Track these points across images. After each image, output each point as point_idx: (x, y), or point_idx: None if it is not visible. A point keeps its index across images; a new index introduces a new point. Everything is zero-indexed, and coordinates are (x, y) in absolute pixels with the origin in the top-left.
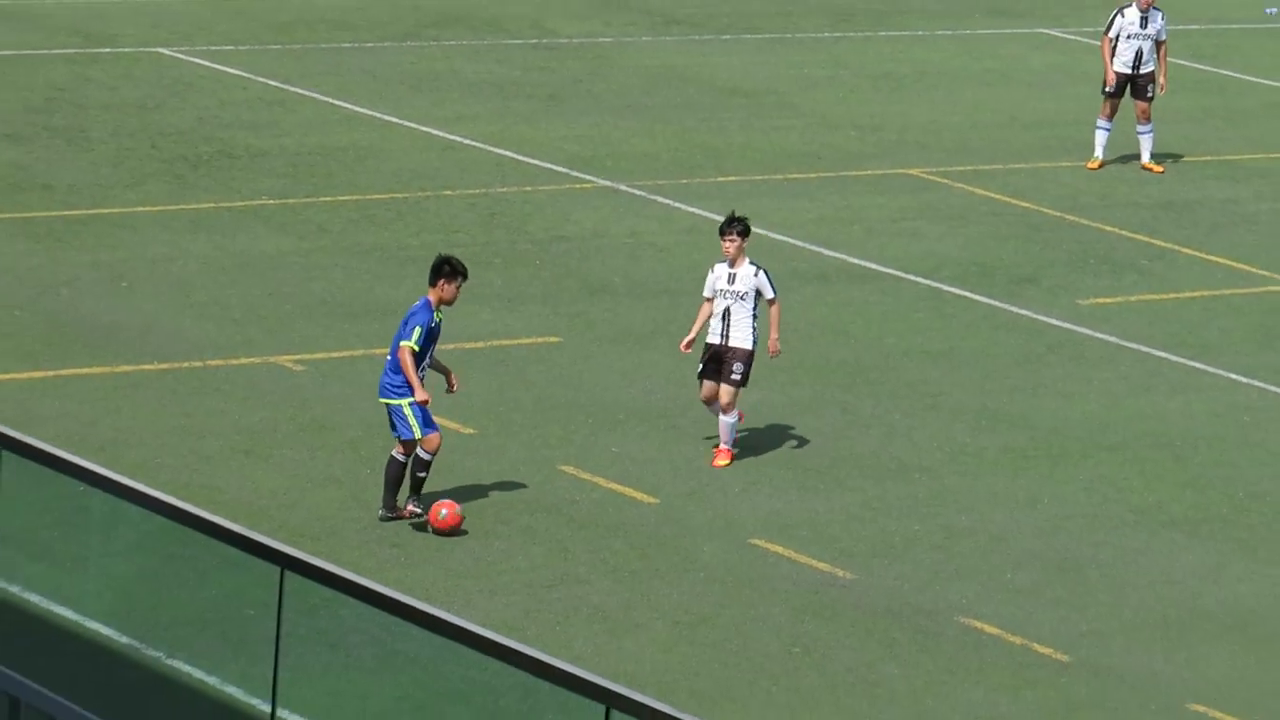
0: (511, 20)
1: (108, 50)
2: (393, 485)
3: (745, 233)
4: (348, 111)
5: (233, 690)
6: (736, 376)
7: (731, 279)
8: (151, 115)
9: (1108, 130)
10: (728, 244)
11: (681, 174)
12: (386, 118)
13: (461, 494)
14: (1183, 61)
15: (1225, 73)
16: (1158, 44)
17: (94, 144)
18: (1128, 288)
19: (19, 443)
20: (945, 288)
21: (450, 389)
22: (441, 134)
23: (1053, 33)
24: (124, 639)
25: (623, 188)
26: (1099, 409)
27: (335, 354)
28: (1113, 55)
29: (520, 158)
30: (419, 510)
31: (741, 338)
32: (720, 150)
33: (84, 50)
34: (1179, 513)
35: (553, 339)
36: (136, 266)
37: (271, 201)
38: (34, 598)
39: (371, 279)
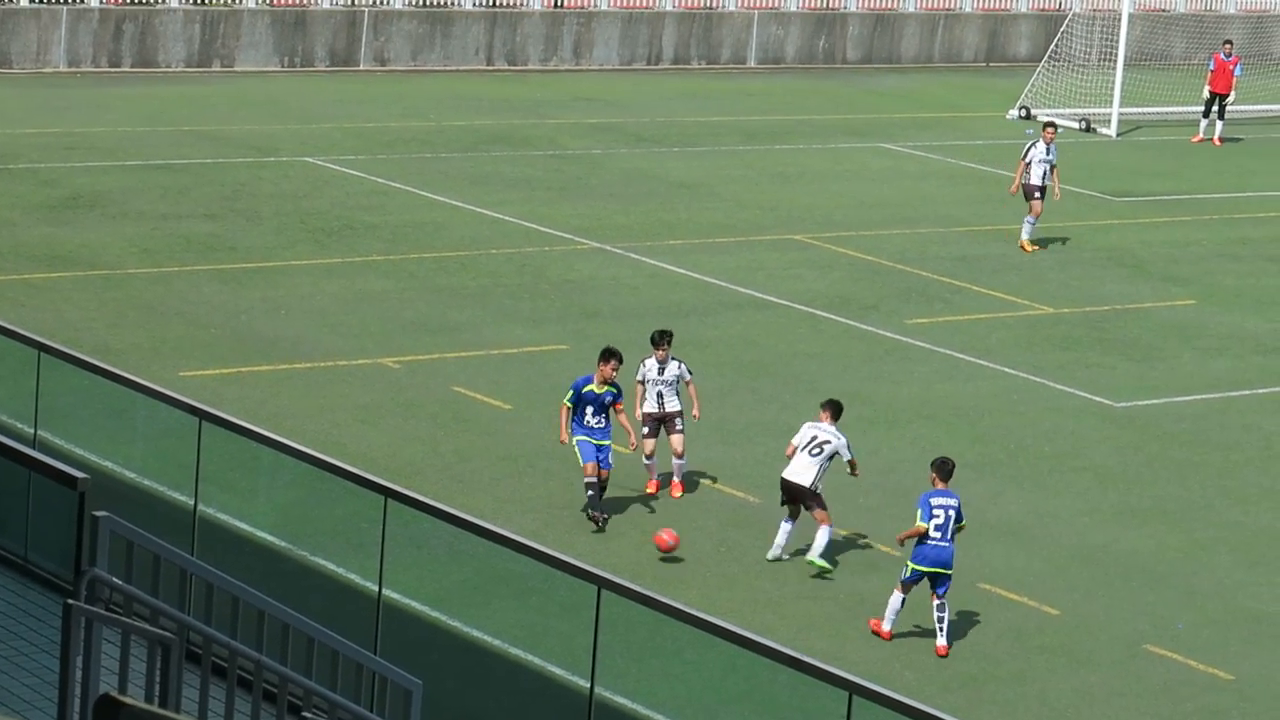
0: (537, 139)
1: (272, 158)
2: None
3: (670, 341)
4: (428, 199)
5: (354, 576)
6: (682, 428)
7: (662, 370)
8: (301, 201)
9: (1034, 223)
10: (660, 352)
11: (647, 239)
12: (454, 202)
13: (497, 446)
14: (970, 164)
15: (999, 171)
16: (1052, 166)
17: (263, 219)
18: (937, 312)
19: (214, 416)
20: (818, 313)
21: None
22: (489, 213)
23: (889, 146)
24: (282, 543)
25: (608, 248)
26: (918, 391)
27: (421, 357)
28: (1026, 171)
29: (541, 228)
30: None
31: (675, 405)
32: (671, 223)
33: (258, 159)
34: (971, 458)
35: (563, 347)
36: (290, 300)
37: (379, 258)
38: (224, 516)
39: (444, 308)
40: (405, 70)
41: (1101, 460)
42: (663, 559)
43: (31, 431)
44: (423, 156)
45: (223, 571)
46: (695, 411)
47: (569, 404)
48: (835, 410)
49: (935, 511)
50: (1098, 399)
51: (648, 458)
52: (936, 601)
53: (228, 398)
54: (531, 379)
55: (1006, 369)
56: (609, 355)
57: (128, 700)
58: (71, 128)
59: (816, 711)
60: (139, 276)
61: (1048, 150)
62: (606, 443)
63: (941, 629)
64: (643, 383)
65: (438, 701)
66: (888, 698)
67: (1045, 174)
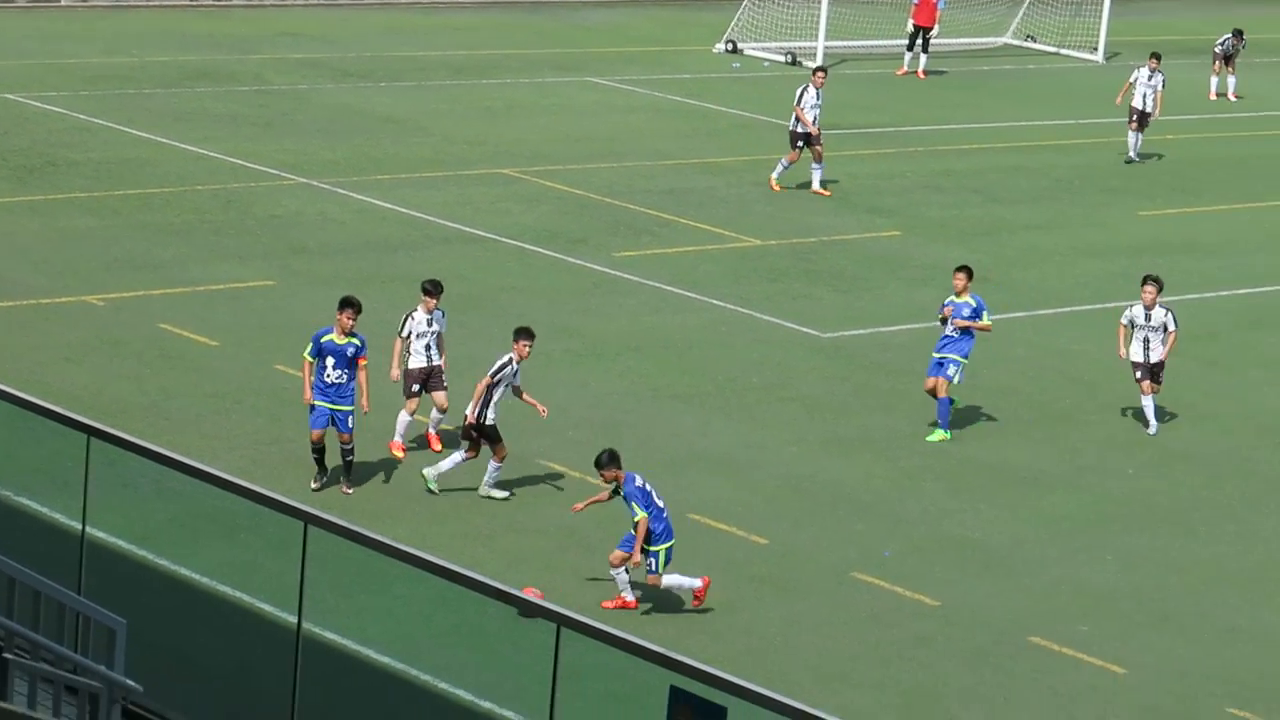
0: (242, 75)
1: None
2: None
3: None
4: (133, 135)
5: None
6: (446, 384)
7: (431, 322)
8: (1, 139)
9: (785, 166)
10: (432, 301)
11: (354, 174)
12: (159, 139)
13: (204, 383)
14: (677, 98)
15: (707, 105)
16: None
17: None
18: (645, 244)
19: None
20: (527, 246)
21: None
22: (195, 149)
23: (596, 80)
24: None
25: (315, 183)
26: (627, 324)
27: (127, 294)
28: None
29: (247, 164)
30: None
31: (441, 359)
32: (379, 158)
33: None
34: (680, 390)
35: (270, 283)
36: None
37: (83, 195)
38: None
39: (149, 245)
40: (108, 6)
41: (809, 390)
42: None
43: None
44: (126, 93)
45: None
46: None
47: (310, 358)
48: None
49: (649, 486)
50: (805, 330)
51: (410, 415)
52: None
53: None
54: (239, 315)
55: (714, 301)
56: (346, 304)
57: None
58: None
59: (526, 644)
60: None
61: (818, 96)
62: (347, 408)
63: (653, 564)
64: (407, 338)
65: (145, 640)
66: (597, 629)
67: (817, 119)
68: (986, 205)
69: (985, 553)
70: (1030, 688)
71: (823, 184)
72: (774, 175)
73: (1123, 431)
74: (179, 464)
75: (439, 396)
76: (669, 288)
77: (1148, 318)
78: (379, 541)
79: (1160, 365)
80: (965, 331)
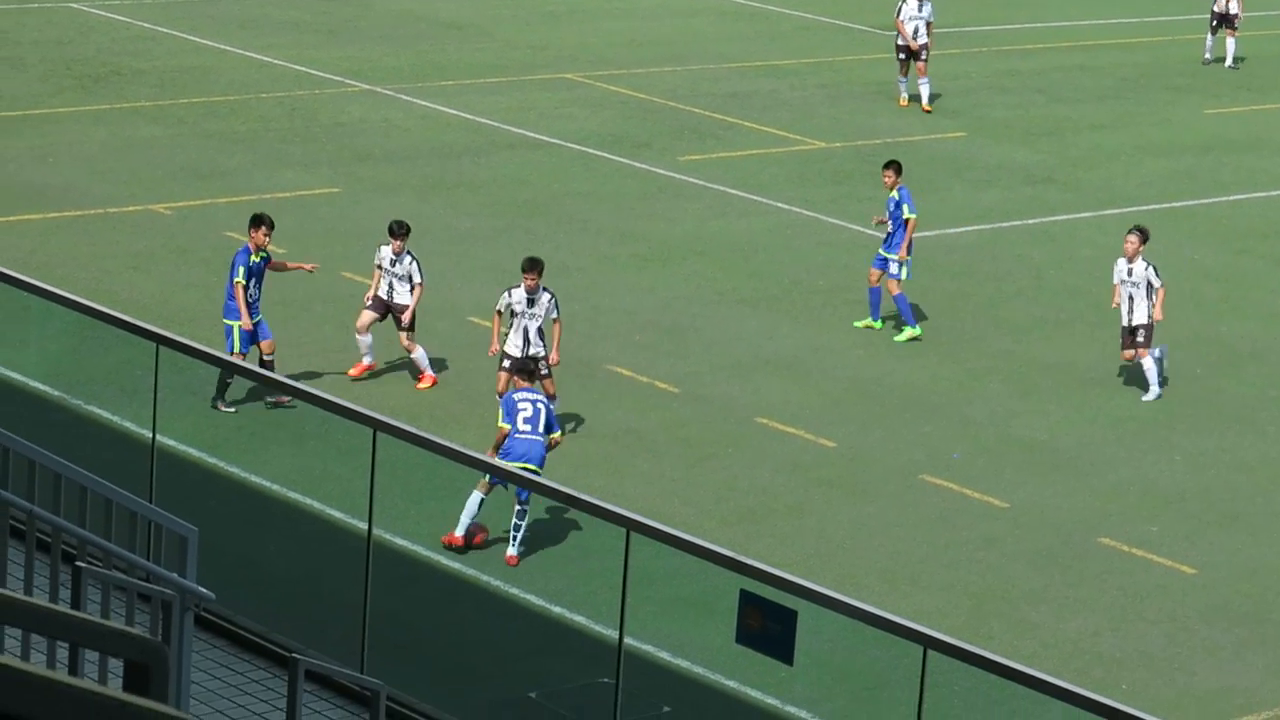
0: None
1: (35, 4)
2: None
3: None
4: (196, 43)
5: (128, 424)
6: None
7: (394, 263)
8: (66, 47)
9: (903, 82)
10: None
11: (417, 80)
12: (222, 46)
13: (272, 290)
14: (739, 1)
15: (769, 7)
16: (928, 24)
17: (28, 66)
18: (709, 148)
19: None
20: (591, 151)
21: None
22: (259, 57)
23: None
24: (55, 392)
25: (379, 90)
26: (692, 228)
27: (193, 202)
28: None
29: (311, 71)
30: (230, 411)
31: (405, 299)
32: (442, 64)
33: (20, 5)
34: (746, 294)
35: (335, 190)
36: (58, 148)
37: (148, 103)
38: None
39: (214, 153)
40: None
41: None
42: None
43: None
44: (189, 0)
45: None
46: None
47: (243, 280)
48: (540, 269)
49: (521, 405)
50: (869, 232)
51: (361, 332)
52: (518, 508)
53: None
54: (304, 222)
55: (779, 204)
56: (259, 221)
57: None
58: None
59: (595, 548)
60: None
61: (919, 7)
62: (259, 318)
63: (516, 537)
64: (379, 267)
65: (217, 548)
66: (666, 533)
67: (917, 32)
68: (1051, 105)
69: (1053, 454)
70: (1099, 588)
71: (930, 99)
72: (924, 101)
73: (1189, 331)
74: (248, 371)
75: (403, 338)
76: (733, 191)
77: (1129, 272)
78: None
79: (1142, 328)
80: (898, 228)
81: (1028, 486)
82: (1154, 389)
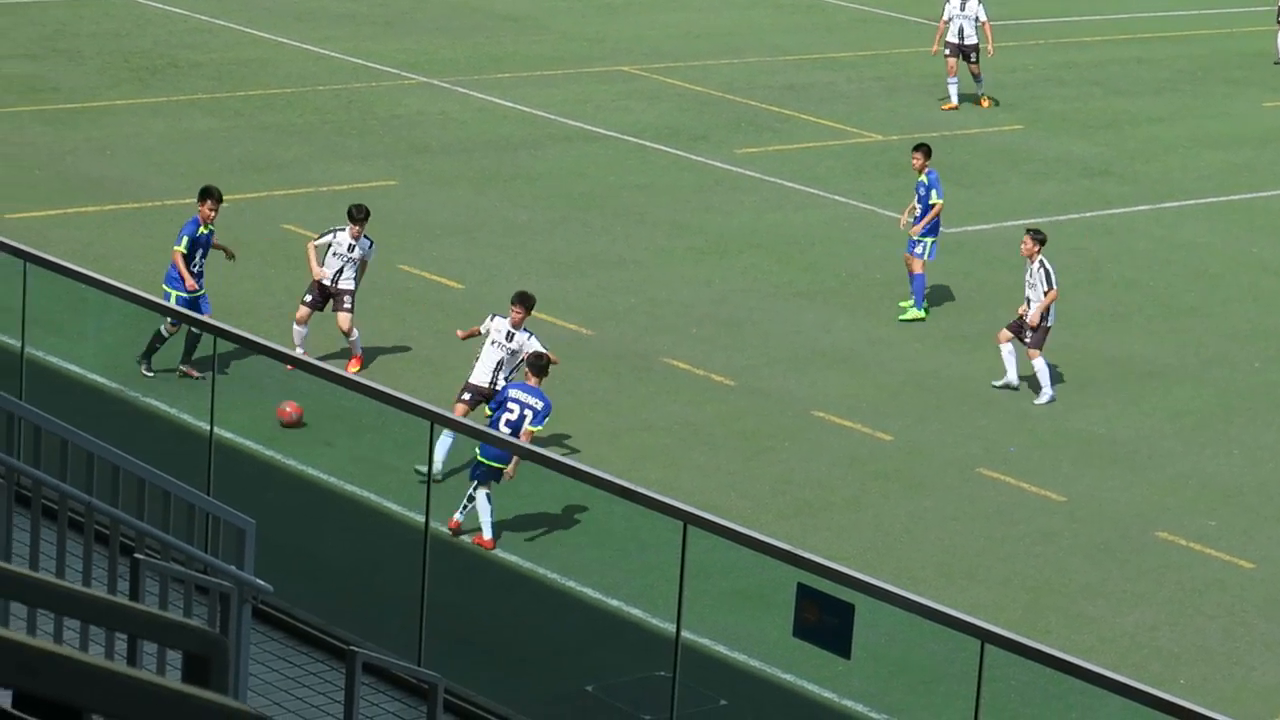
0: None
1: None
2: (150, 350)
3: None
4: (253, 35)
5: (186, 417)
6: (349, 306)
7: (351, 248)
8: (124, 40)
9: (954, 83)
10: (355, 228)
11: (474, 73)
12: (279, 39)
13: None
14: None
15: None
16: (980, 22)
17: (86, 59)
18: (766, 141)
19: (40, 258)
20: (647, 144)
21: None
22: (315, 49)
23: None
24: (112, 384)
25: (435, 82)
26: (749, 221)
27: (249, 195)
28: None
29: (368, 64)
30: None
31: (349, 284)
32: (499, 57)
33: None
34: (802, 287)
35: (392, 182)
36: (116, 140)
37: (204, 96)
38: (52, 359)
39: (271, 145)
40: None
41: (931, 285)
42: (285, 427)
43: None
44: None
45: (51, 415)
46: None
47: (184, 250)
48: (528, 305)
49: (510, 406)
50: None
51: (299, 324)
52: (486, 491)
53: (54, 239)
54: None
55: (836, 197)
56: (206, 194)
57: None
58: None
59: (652, 541)
60: None
61: (963, 5)
62: (202, 291)
63: (488, 522)
64: (334, 254)
65: (273, 540)
66: (723, 526)
67: (962, 32)
68: (1108, 97)
69: (1110, 447)
70: (1157, 583)
71: (984, 96)
72: (951, 98)
73: (1247, 324)
74: (305, 363)
75: (341, 319)
76: (790, 184)
77: (1028, 271)
78: (504, 440)
79: (1032, 327)
80: (925, 210)
81: (1085, 480)
82: (1046, 391)
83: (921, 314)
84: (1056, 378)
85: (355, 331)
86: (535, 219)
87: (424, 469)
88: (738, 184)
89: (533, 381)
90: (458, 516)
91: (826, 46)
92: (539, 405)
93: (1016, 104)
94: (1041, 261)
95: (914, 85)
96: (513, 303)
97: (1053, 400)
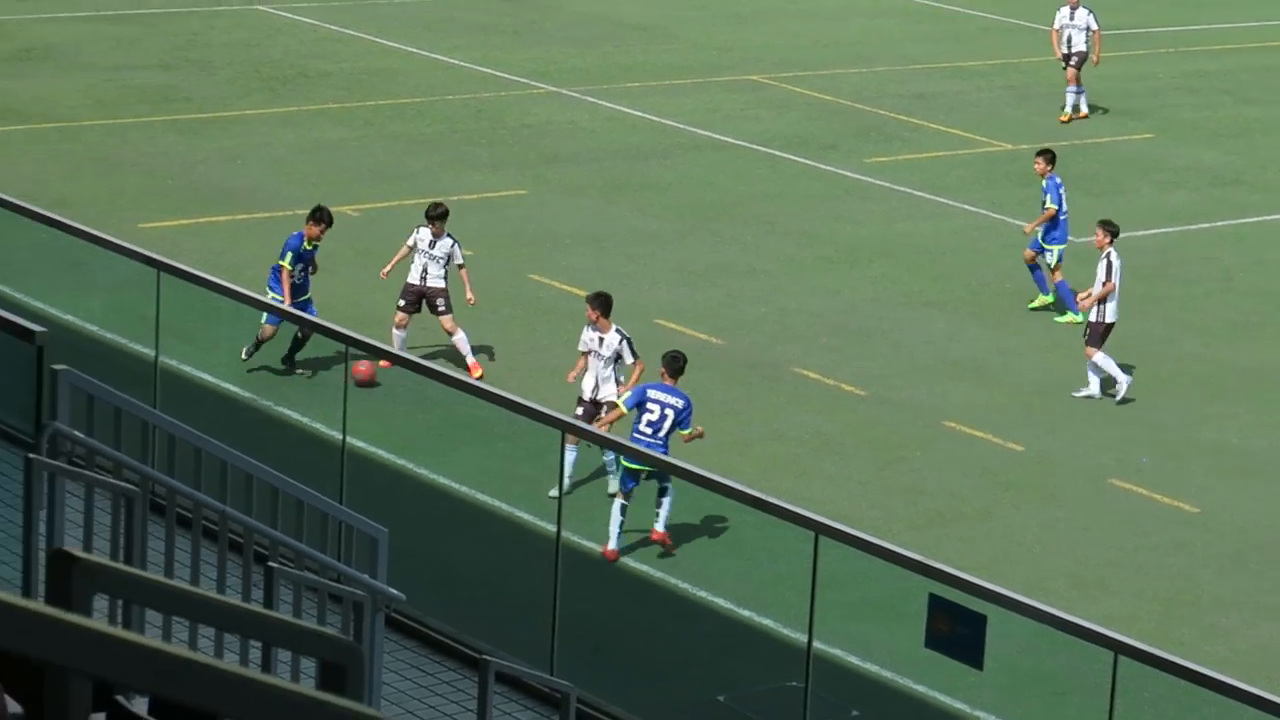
0: None
1: (224, 7)
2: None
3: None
4: (382, 45)
5: (318, 425)
6: (445, 308)
7: (433, 244)
8: (254, 50)
9: (1072, 93)
10: (436, 225)
11: (602, 82)
12: (408, 49)
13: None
14: (924, 1)
15: (954, 8)
16: (1091, 31)
17: (217, 69)
18: (895, 150)
19: (173, 267)
20: (776, 153)
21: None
22: (445, 59)
23: None
24: (245, 393)
25: (565, 91)
26: (879, 230)
27: (379, 204)
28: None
29: (497, 73)
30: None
31: (439, 283)
32: (628, 66)
33: (209, 8)
34: (932, 296)
35: (521, 191)
36: (247, 150)
37: (334, 106)
38: (185, 368)
39: (401, 155)
40: None
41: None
42: (359, 385)
43: None
44: (375, 3)
45: (185, 423)
46: (469, 295)
47: (289, 265)
48: (605, 306)
49: (650, 406)
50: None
51: (398, 328)
52: (622, 503)
53: (186, 249)
54: (491, 224)
55: (966, 206)
56: (320, 217)
57: (83, 555)
58: None
59: (783, 551)
60: (94, 128)
61: (1071, 15)
62: (307, 297)
63: (616, 534)
64: (412, 248)
65: (405, 549)
66: (854, 537)
67: (1070, 40)
68: (1238, 106)
69: (1244, 458)
70: None
71: (1088, 107)
72: (1083, 107)
73: None
74: (436, 373)
75: (444, 321)
76: (919, 193)
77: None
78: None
79: (1089, 324)
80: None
81: (1217, 491)
82: (1121, 381)
83: (1079, 318)
84: (1187, 387)
85: (459, 331)
86: (664, 228)
87: (555, 493)
88: (867, 193)
89: (669, 381)
90: (613, 545)
91: (955, 55)
92: (679, 404)
93: (1146, 112)
94: (1108, 254)
95: (1043, 94)
96: (589, 303)
97: (1130, 385)
